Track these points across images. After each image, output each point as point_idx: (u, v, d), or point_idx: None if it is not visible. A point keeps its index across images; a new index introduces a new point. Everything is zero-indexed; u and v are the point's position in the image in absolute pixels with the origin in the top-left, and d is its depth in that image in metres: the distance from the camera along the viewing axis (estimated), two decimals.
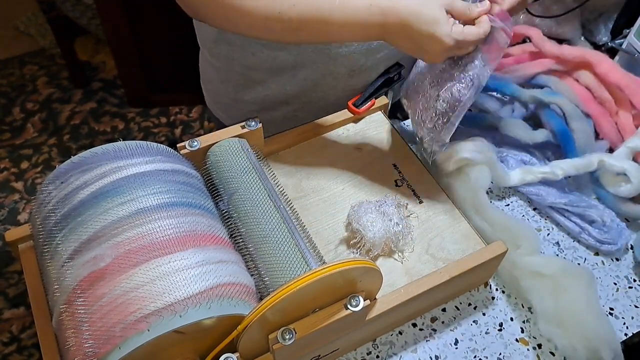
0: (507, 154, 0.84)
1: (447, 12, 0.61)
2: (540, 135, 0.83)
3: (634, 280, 0.75)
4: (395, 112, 1.05)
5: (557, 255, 0.77)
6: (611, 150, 0.84)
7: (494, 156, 0.78)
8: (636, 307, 0.72)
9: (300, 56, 0.78)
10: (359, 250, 0.68)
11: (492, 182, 0.79)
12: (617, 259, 0.77)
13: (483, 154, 0.76)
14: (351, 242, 0.69)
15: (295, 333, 0.53)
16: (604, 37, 1.03)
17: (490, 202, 0.76)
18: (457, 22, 0.62)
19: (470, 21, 0.63)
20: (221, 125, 0.96)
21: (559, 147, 0.84)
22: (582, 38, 1.06)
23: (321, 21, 0.62)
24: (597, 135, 0.85)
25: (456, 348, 0.67)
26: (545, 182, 0.81)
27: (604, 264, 0.76)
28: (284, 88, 0.83)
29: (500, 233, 0.71)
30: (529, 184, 0.81)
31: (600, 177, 0.81)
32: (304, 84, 0.82)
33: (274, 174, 0.70)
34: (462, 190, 0.76)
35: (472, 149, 0.76)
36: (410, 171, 0.77)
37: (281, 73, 0.81)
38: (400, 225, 0.68)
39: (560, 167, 0.79)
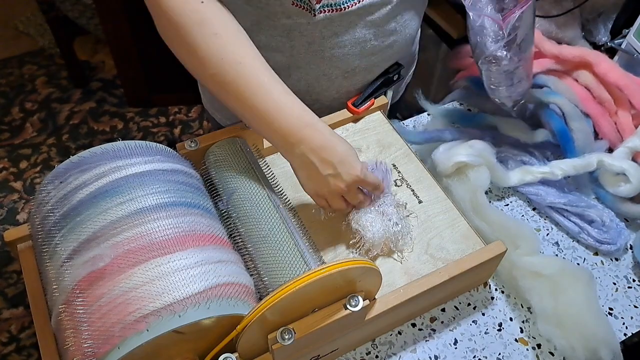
0: (506, 154, 0.84)
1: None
2: (540, 135, 0.83)
3: (633, 280, 0.75)
4: (395, 112, 1.05)
5: (557, 255, 0.77)
6: (610, 150, 0.84)
7: (493, 157, 0.78)
8: (635, 307, 0.72)
9: (294, 58, 0.78)
10: (358, 250, 0.68)
11: (491, 182, 0.79)
12: (617, 259, 0.77)
13: (481, 155, 0.76)
14: (350, 242, 0.69)
15: (295, 333, 0.53)
16: (603, 37, 1.03)
17: (490, 202, 0.76)
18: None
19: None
20: (218, 126, 0.96)
21: (559, 147, 0.84)
22: (582, 39, 1.06)
23: (235, 98, 0.62)
24: (596, 135, 0.85)
25: (455, 348, 0.67)
26: (544, 182, 0.81)
27: (603, 263, 0.76)
28: None
29: (499, 233, 0.72)
30: (528, 184, 0.81)
31: (600, 177, 0.81)
32: (298, 85, 0.82)
33: (273, 173, 0.70)
34: (461, 190, 0.77)
35: (470, 151, 0.76)
36: (409, 171, 0.77)
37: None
38: (400, 226, 0.68)
39: (560, 167, 0.79)
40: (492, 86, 0.77)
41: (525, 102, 0.86)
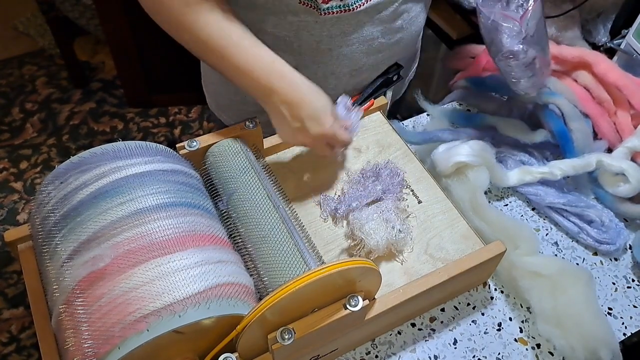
0: (505, 154, 0.84)
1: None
2: (539, 136, 0.83)
3: (633, 280, 0.75)
4: (395, 112, 1.05)
5: (556, 255, 0.77)
6: (610, 150, 0.84)
7: (493, 157, 0.78)
8: (635, 307, 0.72)
9: (302, 57, 0.78)
10: (358, 251, 0.68)
11: (490, 183, 0.79)
12: (616, 259, 0.77)
13: (481, 155, 0.76)
14: (351, 243, 0.69)
15: (295, 333, 0.53)
16: (603, 37, 1.03)
17: (489, 202, 0.76)
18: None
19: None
20: (223, 127, 0.95)
21: (558, 147, 0.84)
22: (582, 40, 1.06)
23: (219, 57, 0.66)
24: (595, 135, 0.85)
25: (455, 348, 0.67)
26: (543, 182, 0.81)
27: (602, 263, 0.76)
28: None
29: (499, 233, 0.72)
30: (528, 184, 0.81)
31: (599, 177, 0.81)
32: None
33: (272, 174, 0.70)
34: (460, 190, 0.77)
35: (470, 152, 0.76)
36: (409, 171, 0.77)
37: None
38: (403, 233, 0.68)
39: (559, 167, 0.79)
40: (513, 79, 0.78)
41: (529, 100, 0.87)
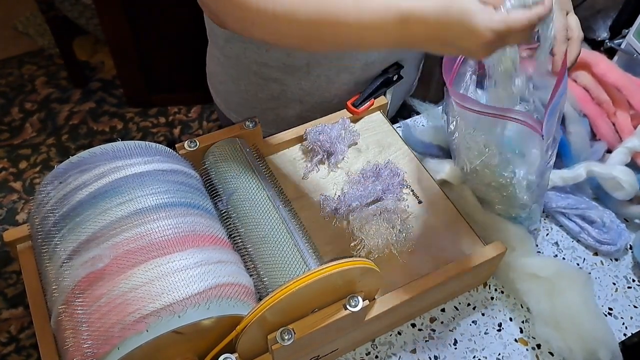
0: None
1: None
2: None
3: (633, 281, 0.75)
4: (403, 113, 1.04)
5: (556, 255, 0.77)
6: (609, 151, 0.84)
7: None
8: (635, 307, 0.72)
9: (313, 55, 0.78)
10: (358, 252, 0.68)
11: None
12: (616, 259, 0.77)
13: (460, 176, 0.76)
14: (351, 244, 0.69)
15: (294, 333, 0.53)
16: (603, 32, 1.03)
17: None
18: (499, 9, 0.50)
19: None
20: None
21: None
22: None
23: (334, 23, 0.54)
24: (594, 136, 0.85)
25: (455, 348, 0.67)
26: None
27: (603, 264, 0.76)
28: (299, 84, 0.83)
29: (494, 235, 0.71)
30: None
31: (599, 179, 0.81)
32: (318, 81, 0.82)
33: (272, 174, 0.70)
34: (459, 190, 0.76)
35: (450, 172, 0.76)
36: (409, 171, 0.77)
37: (295, 71, 0.81)
38: (403, 233, 0.68)
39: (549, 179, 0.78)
40: None
41: None
